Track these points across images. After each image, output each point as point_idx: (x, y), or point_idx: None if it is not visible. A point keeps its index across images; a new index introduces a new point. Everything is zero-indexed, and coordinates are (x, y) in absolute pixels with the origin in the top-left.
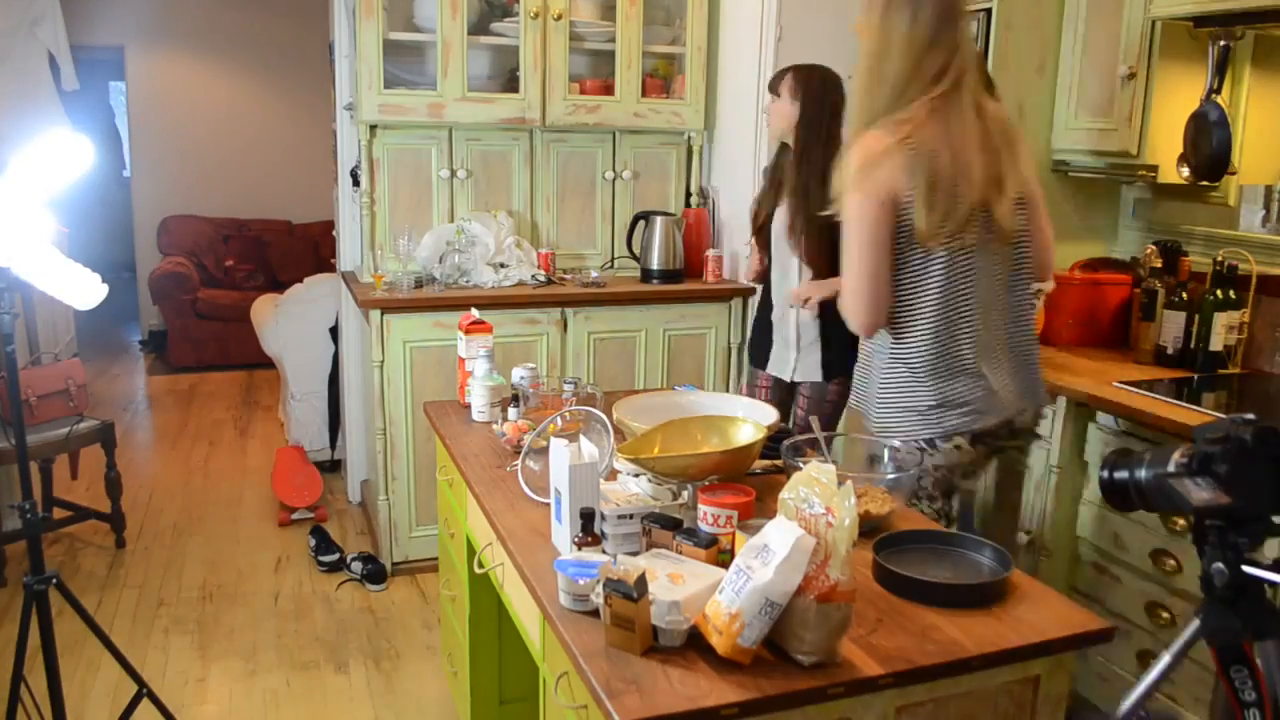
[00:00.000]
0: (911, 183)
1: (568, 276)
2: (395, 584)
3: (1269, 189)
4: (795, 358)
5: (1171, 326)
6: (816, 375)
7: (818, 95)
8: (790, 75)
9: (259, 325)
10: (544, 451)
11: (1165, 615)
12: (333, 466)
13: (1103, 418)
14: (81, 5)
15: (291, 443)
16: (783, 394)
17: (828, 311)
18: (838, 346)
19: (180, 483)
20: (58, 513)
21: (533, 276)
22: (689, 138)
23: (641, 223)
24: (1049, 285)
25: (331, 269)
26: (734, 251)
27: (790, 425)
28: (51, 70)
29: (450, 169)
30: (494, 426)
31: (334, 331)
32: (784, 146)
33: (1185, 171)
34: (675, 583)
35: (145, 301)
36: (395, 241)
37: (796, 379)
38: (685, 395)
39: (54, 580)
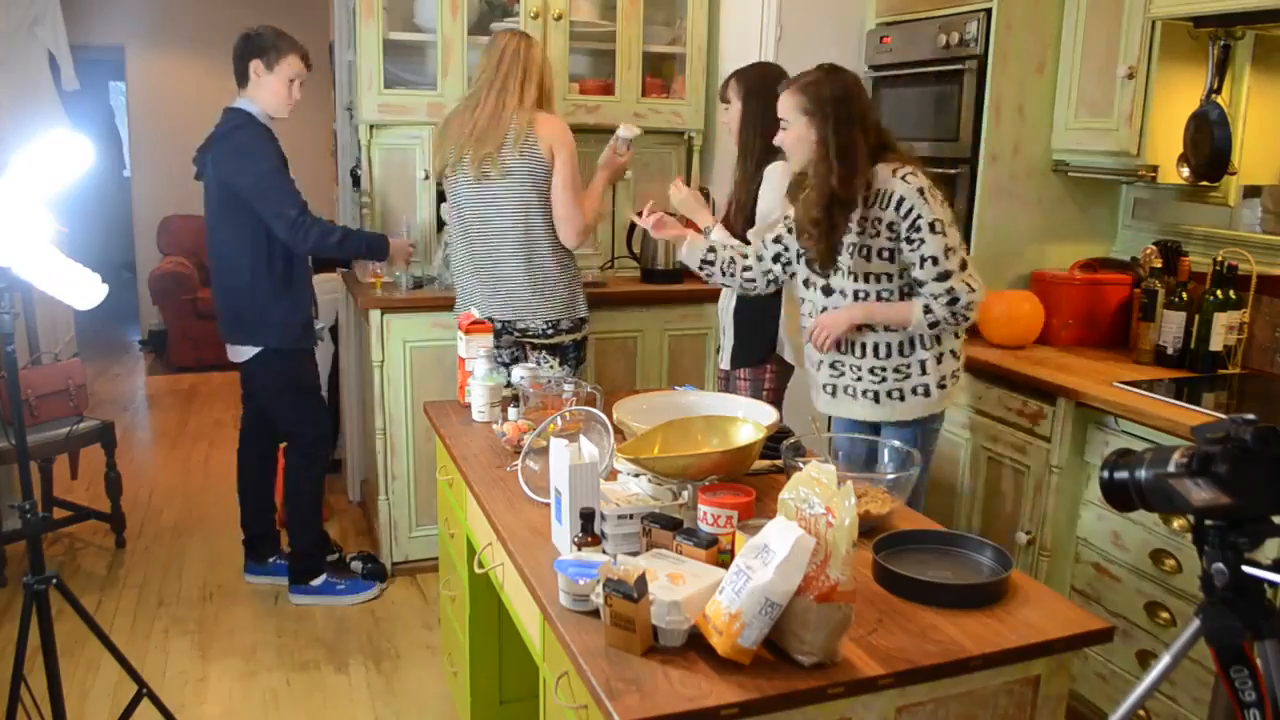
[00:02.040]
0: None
1: None
2: (395, 584)
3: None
4: (722, 344)
5: (1171, 326)
6: (726, 363)
7: (754, 91)
8: (733, 78)
9: None
10: (544, 451)
11: (1165, 615)
12: (333, 466)
13: (1103, 418)
14: (81, 5)
15: None
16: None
17: (739, 303)
18: (742, 337)
19: (180, 483)
20: (58, 513)
21: None
22: (689, 138)
23: None
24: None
25: (332, 269)
26: None
27: None
28: (51, 70)
29: None
30: (494, 426)
31: (334, 331)
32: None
33: (1185, 171)
34: (675, 583)
35: (145, 301)
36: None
37: (725, 366)
38: (685, 395)
39: (54, 580)
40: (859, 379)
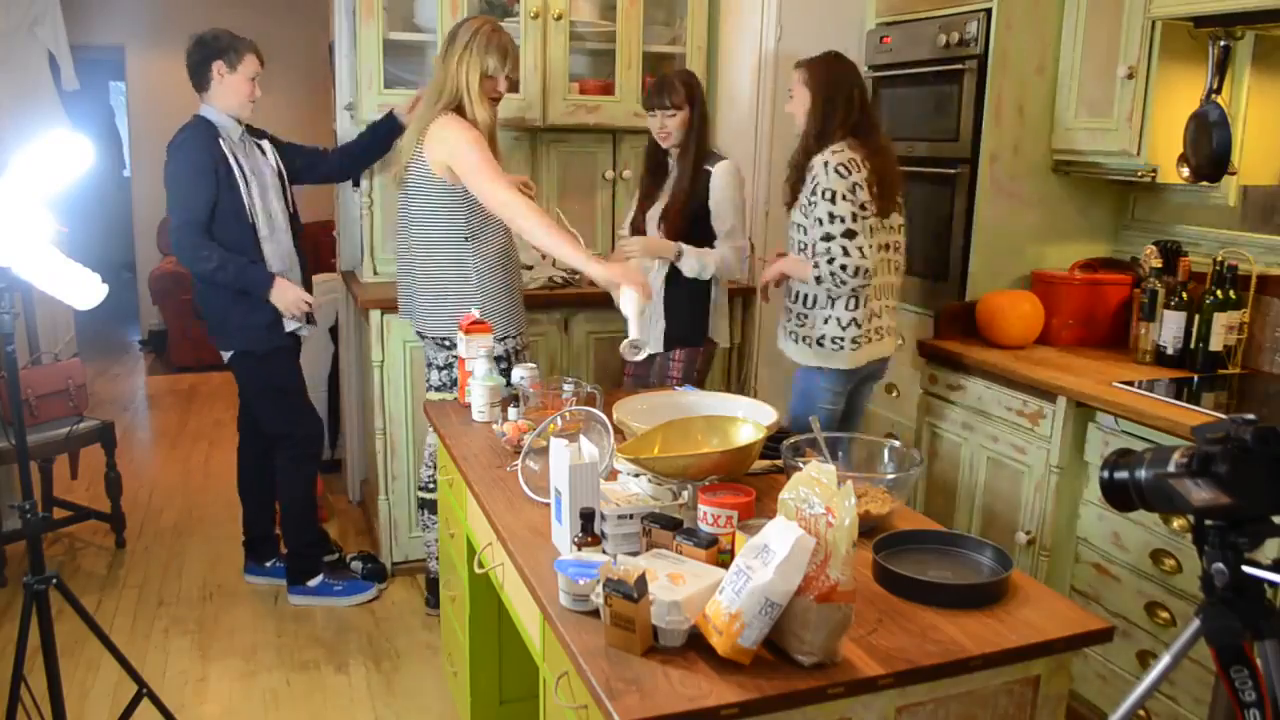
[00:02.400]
0: None
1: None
2: (395, 584)
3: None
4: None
5: (1171, 326)
6: (659, 346)
7: (695, 98)
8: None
9: None
10: (544, 451)
11: (1165, 615)
12: (333, 466)
13: (1103, 418)
14: (81, 5)
15: None
16: (641, 369)
17: (669, 287)
18: (679, 319)
19: (180, 483)
20: (58, 513)
21: (550, 279)
22: None
23: None
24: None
25: (332, 269)
26: None
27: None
28: (51, 70)
29: None
30: (494, 426)
31: (334, 331)
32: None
33: (1185, 171)
34: (675, 583)
35: (145, 301)
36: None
37: (656, 350)
38: (685, 395)
39: (54, 580)
40: (788, 320)
